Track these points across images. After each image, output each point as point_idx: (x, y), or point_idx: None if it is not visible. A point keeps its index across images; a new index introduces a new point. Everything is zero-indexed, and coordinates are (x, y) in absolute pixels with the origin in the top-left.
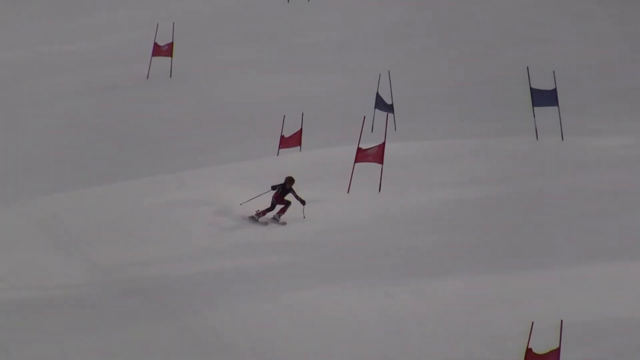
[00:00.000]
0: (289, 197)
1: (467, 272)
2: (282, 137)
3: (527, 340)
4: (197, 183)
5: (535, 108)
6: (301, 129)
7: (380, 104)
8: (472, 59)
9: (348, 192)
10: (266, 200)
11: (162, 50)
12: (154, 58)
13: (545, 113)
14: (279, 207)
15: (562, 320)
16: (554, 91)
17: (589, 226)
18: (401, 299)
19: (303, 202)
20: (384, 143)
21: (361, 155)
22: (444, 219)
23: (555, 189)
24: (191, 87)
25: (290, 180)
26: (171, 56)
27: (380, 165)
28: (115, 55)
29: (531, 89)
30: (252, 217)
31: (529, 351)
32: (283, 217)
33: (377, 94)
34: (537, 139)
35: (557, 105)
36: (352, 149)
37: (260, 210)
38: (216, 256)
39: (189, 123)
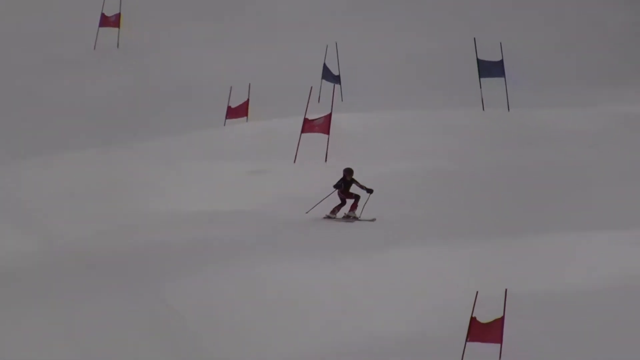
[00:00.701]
0: (353, 189)
1: (418, 244)
2: (229, 107)
3: (472, 310)
4: (147, 154)
5: (482, 79)
6: (248, 99)
7: (328, 74)
8: (423, 31)
9: (294, 162)
10: (332, 202)
11: (110, 21)
12: (101, 29)
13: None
14: (349, 201)
15: (506, 290)
16: (501, 62)
17: (537, 198)
18: (352, 271)
19: (370, 191)
20: (330, 114)
21: (308, 126)
22: (394, 191)
23: (505, 161)
24: (138, 59)
25: (349, 172)
26: (119, 27)
27: (327, 135)
28: (63, 27)
29: (478, 60)
30: (328, 217)
31: (473, 320)
32: (359, 213)
33: (325, 65)
34: (483, 109)
35: (504, 77)
36: (299, 120)
37: (333, 207)
38: (170, 229)
39: (135, 94)
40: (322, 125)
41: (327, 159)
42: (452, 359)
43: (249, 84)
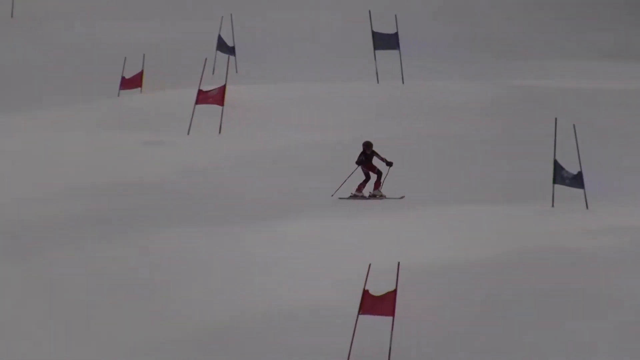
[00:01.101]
0: (375, 162)
1: (315, 216)
2: (123, 78)
3: (364, 282)
4: (40, 123)
5: (377, 52)
6: (142, 70)
7: (222, 46)
8: (319, 3)
9: (188, 133)
10: (355, 180)
11: None
12: None
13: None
14: (372, 176)
15: (399, 262)
16: (396, 35)
17: (431, 169)
18: (248, 242)
19: (389, 164)
20: (224, 85)
21: (202, 97)
22: (287, 163)
23: (400, 133)
24: (33, 28)
25: (368, 145)
26: None
27: (221, 107)
28: None
29: (373, 32)
30: (354, 195)
31: (365, 293)
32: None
33: (219, 36)
34: (378, 82)
35: (399, 49)
36: (193, 91)
37: (358, 185)
38: (64, 200)
39: (29, 63)
40: (216, 97)
41: (221, 131)
42: (344, 332)
43: (144, 55)
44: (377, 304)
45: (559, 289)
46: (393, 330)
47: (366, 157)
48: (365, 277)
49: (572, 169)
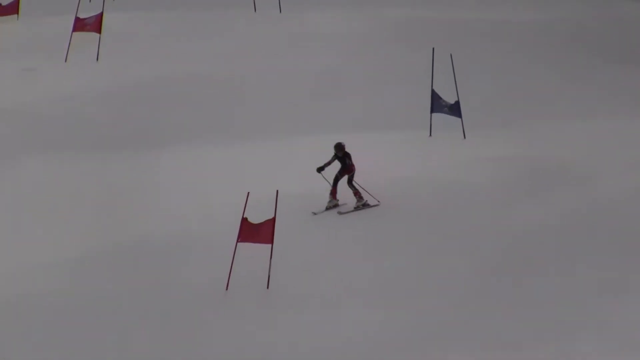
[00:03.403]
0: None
1: (192, 145)
2: None
3: (243, 210)
4: None
5: None
6: None
7: None
8: None
9: (66, 61)
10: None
11: None
12: None
13: None
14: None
15: (277, 191)
16: None
17: (312, 101)
18: (123, 169)
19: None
20: (101, 13)
21: (79, 25)
22: (163, 93)
23: (278, 64)
24: None
25: (340, 148)
26: None
27: (98, 35)
28: None
29: None
30: (365, 205)
31: (244, 221)
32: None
33: None
34: (255, 11)
35: None
36: (70, 18)
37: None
38: None
39: None
40: (94, 24)
41: (99, 58)
42: (224, 259)
43: None
44: (256, 232)
45: (432, 218)
46: (272, 257)
47: (341, 161)
48: (244, 205)
49: (450, 99)
